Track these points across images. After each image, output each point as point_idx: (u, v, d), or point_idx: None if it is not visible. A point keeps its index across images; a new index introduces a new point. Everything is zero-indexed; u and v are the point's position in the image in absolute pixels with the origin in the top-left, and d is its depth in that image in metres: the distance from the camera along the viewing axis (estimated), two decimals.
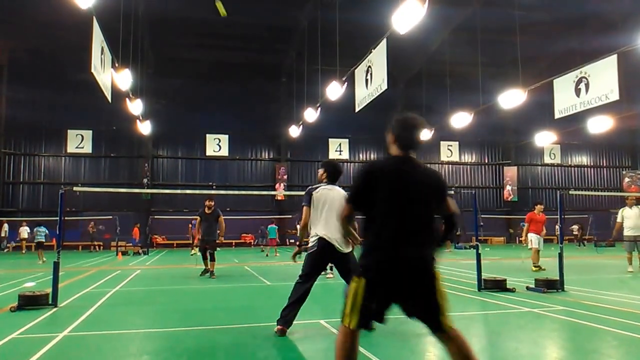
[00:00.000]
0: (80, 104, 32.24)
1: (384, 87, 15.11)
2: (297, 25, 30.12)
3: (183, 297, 10.10)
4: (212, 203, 13.60)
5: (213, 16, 28.25)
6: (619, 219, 14.69)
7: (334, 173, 6.39)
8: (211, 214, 13.55)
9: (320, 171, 6.45)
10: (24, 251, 27.83)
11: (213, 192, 26.74)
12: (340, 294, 10.48)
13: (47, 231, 21.04)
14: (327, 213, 6.05)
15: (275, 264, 18.54)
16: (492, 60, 29.26)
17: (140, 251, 26.58)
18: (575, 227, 34.28)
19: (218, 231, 13.80)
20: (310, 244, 6.17)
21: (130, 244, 29.45)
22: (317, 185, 6.32)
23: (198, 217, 14.08)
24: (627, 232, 14.24)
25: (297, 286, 6.23)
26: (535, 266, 14.43)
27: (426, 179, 3.52)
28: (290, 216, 33.02)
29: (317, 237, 6.07)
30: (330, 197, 6.14)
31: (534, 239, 14.68)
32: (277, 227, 25.76)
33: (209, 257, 13.65)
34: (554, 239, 26.06)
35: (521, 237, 14.77)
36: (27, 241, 26.97)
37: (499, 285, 9.81)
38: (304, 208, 6.20)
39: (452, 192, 15.95)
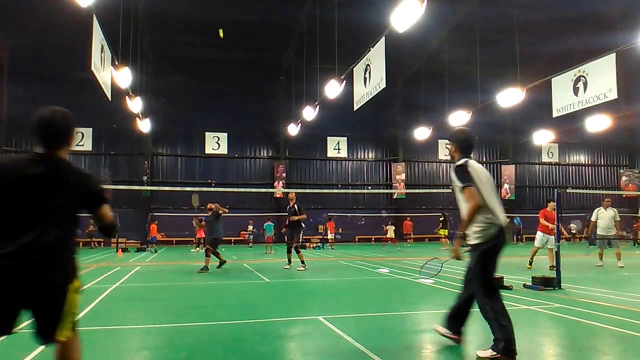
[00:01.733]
0: (80, 102, 32.11)
1: (383, 85, 15.13)
2: (296, 24, 30.13)
3: (182, 293, 10.15)
4: (212, 206, 15.07)
5: (212, 14, 28.34)
6: (593, 218, 15.30)
7: (465, 142, 5.23)
8: (210, 215, 15.05)
9: (450, 146, 5.28)
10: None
11: (212, 189, 26.80)
12: (338, 291, 10.56)
13: None
14: (495, 194, 5.00)
15: (273, 261, 18.58)
16: (491, 59, 29.25)
17: (153, 248, 26.65)
18: (572, 225, 34.41)
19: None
20: (480, 238, 4.86)
21: (132, 241, 29.55)
22: (461, 160, 5.05)
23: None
24: (599, 232, 15.08)
25: (493, 304, 4.87)
26: (529, 264, 14.75)
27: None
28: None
29: (496, 226, 4.85)
30: (486, 174, 5.11)
31: (539, 237, 14.70)
32: (273, 225, 25.84)
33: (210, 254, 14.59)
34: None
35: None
36: None
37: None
38: (470, 189, 4.74)
39: (450, 190, 16.01)
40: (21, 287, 3.00)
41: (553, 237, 13.89)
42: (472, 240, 4.89)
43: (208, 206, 15.28)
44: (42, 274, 3.05)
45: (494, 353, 4.66)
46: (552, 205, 14.70)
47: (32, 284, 3.03)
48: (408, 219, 31.19)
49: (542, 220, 14.66)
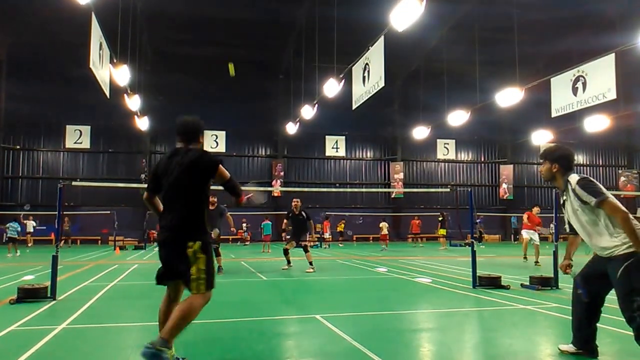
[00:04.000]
0: (78, 100, 32.23)
1: (382, 84, 15.14)
2: (294, 22, 30.10)
3: None
4: (214, 200, 13.92)
5: (211, 13, 28.30)
6: None
7: (569, 160, 4.85)
8: (214, 211, 13.56)
9: (550, 165, 4.83)
10: (30, 244, 28.20)
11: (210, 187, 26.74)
12: (336, 289, 10.56)
13: (19, 227, 21.92)
14: None
15: (271, 259, 18.58)
16: (490, 59, 29.24)
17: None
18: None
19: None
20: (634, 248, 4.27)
21: (130, 239, 29.59)
22: (573, 174, 4.65)
23: None
24: None
25: None
26: (525, 257, 16.46)
27: None
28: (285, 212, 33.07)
29: None
30: None
31: (524, 234, 16.45)
32: (272, 224, 25.89)
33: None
34: (549, 237, 26.19)
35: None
36: (31, 235, 27.72)
37: (493, 283, 9.88)
38: (608, 200, 4.35)
39: (449, 189, 16.23)
40: None
41: (537, 234, 15.36)
42: (626, 249, 4.29)
43: (211, 199, 13.74)
44: None
45: None
46: (536, 209, 16.66)
47: None
48: (416, 217, 31.01)
49: (525, 220, 16.58)
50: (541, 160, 4.93)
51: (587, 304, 4.70)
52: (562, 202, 4.83)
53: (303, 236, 14.59)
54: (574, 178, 4.56)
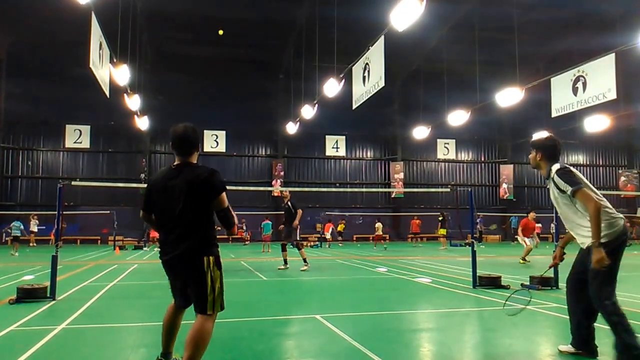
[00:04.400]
0: (78, 99, 32.22)
1: (382, 84, 15.12)
2: (294, 22, 30.10)
3: None
4: None
5: (211, 12, 28.29)
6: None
7: (554, 150, 4.97)
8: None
9: (535, 154, 4.99)
10: (33, 244, 28.29)
11: None
12: (336, 289, 10.56)
13: (22, 226, 22.54)
14: None
15: (271, 259, 18.57)
16: (490, 59, 29.26)
17: (153, 245, 26.83)
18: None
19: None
20: (609, 236, 4.47)
21: (129, 238, 29.59)
22: (556, 164, 4.78)
23: None
24: None
25: (618, 307, 4.49)
26: (522, 260, 16.33)
27: None
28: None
29: (622, 219, 4.60)
30: None
31: (527, 240, 16.66)
32: (272, 224, 25.89)
33: None
34: (549, 237, 26.24)
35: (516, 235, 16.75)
36: (35, 234, 27.81)
37: (493, 283, 9.87)
38: (583, 190, 4.44)
39: (449, 189, 16.24)
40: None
41: (532, 239, 15.67)
42: (602, 239, 4.39)
43: None
44: None
45: None
46: (532, 215, 17.00)
47: None
48: (416, 217, 31.04)
49: (519, 231, 17.20)
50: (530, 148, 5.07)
51: (585, 304, 4.70)
52: (549, 188, 4.91)
53: (293, 231, 14.60)
54: (555, 167, 4.69)
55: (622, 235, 4.50)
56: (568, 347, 4.96)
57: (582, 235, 4.59)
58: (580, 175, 4.64)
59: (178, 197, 3.90)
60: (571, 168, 4.67)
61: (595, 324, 4.75)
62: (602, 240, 4.35)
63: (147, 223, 4.40)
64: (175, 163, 4.15)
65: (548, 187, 4.89)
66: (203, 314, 3.86)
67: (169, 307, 4.24)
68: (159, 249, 4.14)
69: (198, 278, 3.86)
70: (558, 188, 4.65)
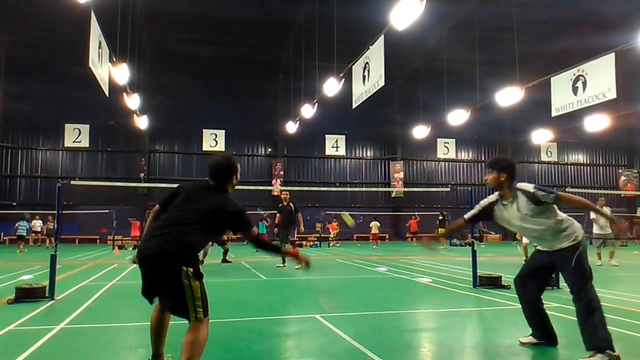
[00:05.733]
0: (77, 98, 32.24)
1: (382, 83, 15.10)
2: (294, 21, 30.05)
3: None
4: None
5: (210, 11, 28.25)
6: (592, 215, 15.59)
7: (514, 169, 5.25)
8: None
9: (497, 175, 5.15)
10: (39, 244, 28.47)
11: None
12: (335, 289, 10.54)
13: (28, 225, 24.04)
14: None
15: (270, 259, 18.53)
16: (490, 58, 29.22)
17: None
18: None
19: None
20: (579, 237, 5.00)
21: (129, 238, 29.55)
22: (521, 183, 5.13)
23: None
24: (596, 231, 15.58)
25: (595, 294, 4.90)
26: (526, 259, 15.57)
27: None
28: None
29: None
30: None
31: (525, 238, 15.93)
32: (267, 223, 26.05)
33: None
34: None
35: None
36: (41, 234, 28.32)
37: (494, 282, 9.85)
38: (560, 193, 5.01)
39: (449, 189, 16.23)
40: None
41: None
42: (572, 242, 4.96)
43: None
44: None
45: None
46: None
47: None
48: (413, 217, 31.10)
49: None
50: (488, 170, 5.30)
51: (535, 297, 5.24)
52: (495, 208, 5.30)
53: (291, 231, 14.63)
54: (527, 185, 5.04)
55: (584, 237, 5.06)
56: (529, 339, 5.34)
57: (554, 242, 5.02)
58: None
59: (195, 209, 3.96)
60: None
61: (554, 314, 5.17)
62: (577, 242, 4.93)
63: (151, 219, 4.30)
64: (212, 183, 4.33)
65: (502, 205, 5.21)
66: (190, 322, 3.86)
67: (154, 307, 4.26)
68: (140, 242, 4.15)
69: (176, 287, 3.79)
70: (535, 202, 4.94)
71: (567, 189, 14.80)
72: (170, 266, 3.79)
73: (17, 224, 23.39)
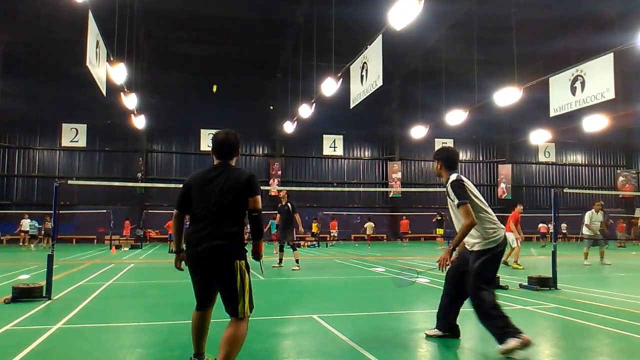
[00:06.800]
0: (75, 98, 32.17)
1: (380, 83, 15.08)
2: (292, 21, 30.04)
3: (176, 290, 10.07)
4: None
5: (208, 11, 28.23)
6: (587, 221, 16.20)
7: (450, 159, 5.56)
8: None
9: (436, 164, 5.58)
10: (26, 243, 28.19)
11: None
12: (333, 290, 10.52)
13: (37, 224, 25.85)
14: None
15: (268, 258, 18.49)
16: (488, 58, 29.22)
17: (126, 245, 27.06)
18: (564, 225, 34.70)
19: None
20: (492, 243, 5.11)
21: (125, 238, 29.53)
22: (454, 174, 5.32)
23: None
24: (588, 233, 16.16)
25: (491, 295, 5.16)
26: (515, 263, 15.16)
27: None
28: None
29: (502, 229, 5.25)
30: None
31: (513, 238, 14.98)
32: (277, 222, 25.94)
33: None
34: (549, 237, 26.25)
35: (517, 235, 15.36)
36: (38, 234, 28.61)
37: None
38: (466, 206, 5.01)
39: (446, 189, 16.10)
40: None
41: (512, 235, 14.64)
42: (484, 246, 5.11)
43: None
44: None
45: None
46: (519, 208, 16.28)
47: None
48: (404, 217, 31.24)
49: (510, 224, 15.36)
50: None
51: (455, 291, 5.51)
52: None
53: (289, 232, 14.60)
54: (452, 177, 5.25)
55: (502, 244, 5.15)
56: (435, 331, 5.70)
57: (470, 239, 5.21)
58: (472, 188, 5.25)
59: (218, 192, 4.06)
60: (465, 182, 5.22)
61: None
62: (488, 247, 5.07)
63: (176, 225, 4.33)
64: (215, 163, 4.41)
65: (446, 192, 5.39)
66: (236, 317, 3.98)
67: (194, 314, 4.28)
68: (185, 243, 4.12)
69: (230, 282, 3.93)
70: (449, 196, 5.24)
71: (565, 190, 14.87)
72: (225, 262, 3.91)
73: (22, 222, 25.77)
